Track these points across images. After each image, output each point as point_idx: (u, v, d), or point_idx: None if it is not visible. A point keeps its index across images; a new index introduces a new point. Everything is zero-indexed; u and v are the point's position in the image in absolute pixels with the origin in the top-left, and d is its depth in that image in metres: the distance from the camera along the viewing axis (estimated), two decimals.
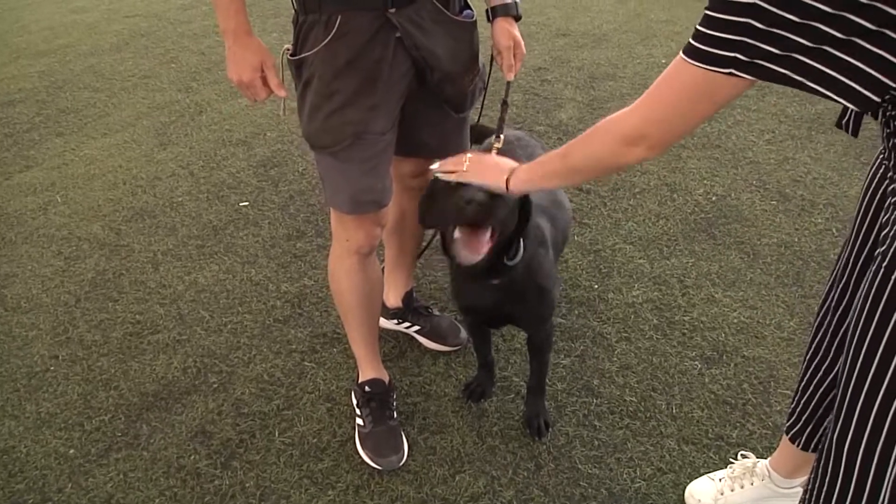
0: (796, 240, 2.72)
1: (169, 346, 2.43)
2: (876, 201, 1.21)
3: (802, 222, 2.81)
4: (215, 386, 2.27)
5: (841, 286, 1.33)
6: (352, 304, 1.95)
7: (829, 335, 1.41)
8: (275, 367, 2.32)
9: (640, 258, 2.64)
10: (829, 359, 1.42)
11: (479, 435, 2.04)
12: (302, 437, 2.07)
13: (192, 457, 2.05)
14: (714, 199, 2.95)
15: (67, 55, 4.92)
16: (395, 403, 2.09)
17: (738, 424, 2.01)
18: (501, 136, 1.75)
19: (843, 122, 1.14)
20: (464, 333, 2.31)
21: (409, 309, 2.32)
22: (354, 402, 2.09)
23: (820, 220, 2.82)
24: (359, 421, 2.05)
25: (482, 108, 2.02)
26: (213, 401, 2.22)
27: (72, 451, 2.10)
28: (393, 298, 2.32)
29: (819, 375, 1.46)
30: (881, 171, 1.21)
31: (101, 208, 3.20)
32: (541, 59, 4.21)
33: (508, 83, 1.87)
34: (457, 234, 1.50)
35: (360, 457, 1.99)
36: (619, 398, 2.12)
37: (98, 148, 3.69)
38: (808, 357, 1.48)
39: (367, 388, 2.05)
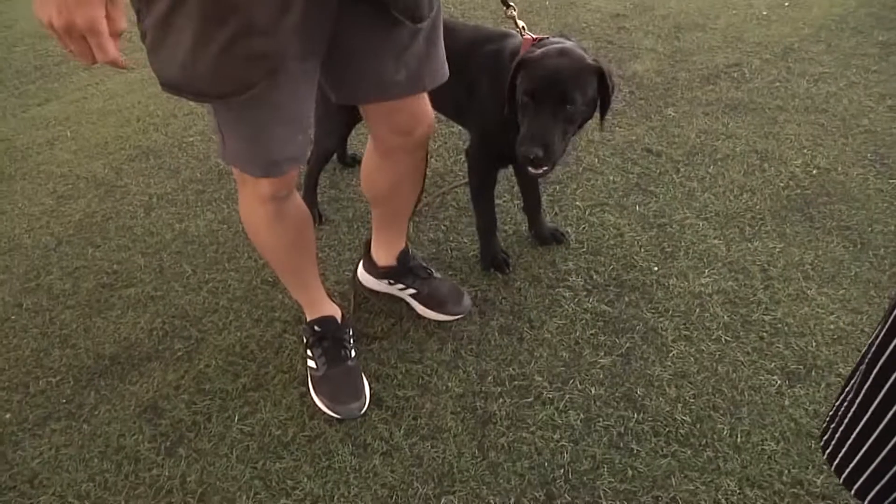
0: None
1: (140, 303, 2.09)
2: None
3: None
4: (180, 354, 1.91)
5: None
6: (278, 253, 1.61)
7: None
8: (250, 337, 1.93)
9: (714, 237, 2.12)
10: None
11: (479, 447, 1.60)
12: (264, 427, 1.69)
13: (136, 436, 1.70)
14: (815, 172, 2.38)
15: None
16: (352, 341, 1.77)
17: (823, 468, 1.50)
18: (513, 5, 1.69)
19: None
20: (467, 300, 1.91)
21: (405, 268, 1.90)
22: (304, 342, 1.78)
23: None
24: (311, 364, 1.74)
25: None
26: (173, 371, 1.86)
27: (8, 415, 1.80)
28: (384, 256, 1.91)
29: None
30: None
31: (108, 145, 2.88)
32: (620, 4, 3.64)
33: None
34: None
35: (315, 405, 1.71)
36: (667, 415, 1.63)
37: (122, 82, 3.39)
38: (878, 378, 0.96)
39: (316, 328, 1.73)
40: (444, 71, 1.48)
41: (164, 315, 2.04)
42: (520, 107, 1.62)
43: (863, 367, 1.01)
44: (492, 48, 1.78)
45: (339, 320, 1.76)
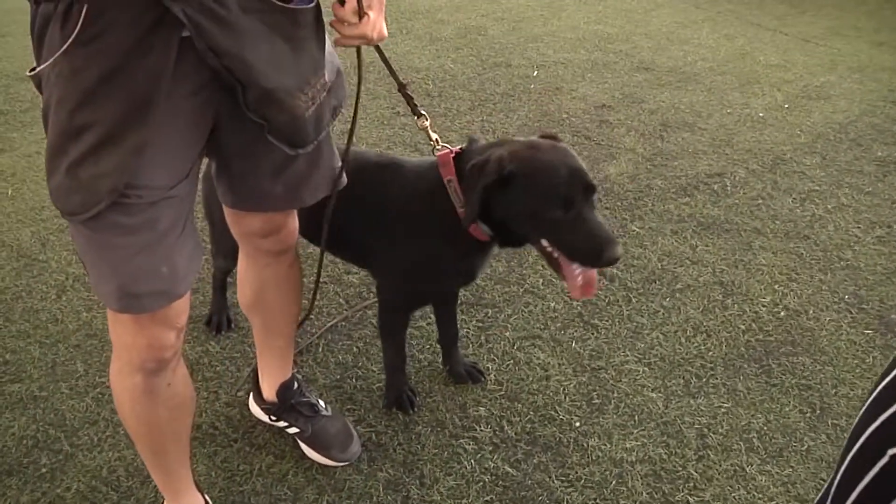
0: None
1: (20, 403, 1.91)
2: None
3: None
4: (43, 471, 1.72)
5: None
6: (140, 434, 1.38)
7: None
8: (121, 459, 1.74)
9: (653, 389, 1.89)
10: None
11: None
12: None
13: None
14: (782, 314, 2.15)
15: None
16: None
17: None
18: (425, 114, 1.48)
19: None
20: (355, 447, 1.71)
21: (286, 405, 1.71)
22: None
23: None
24: None
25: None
26: (30, 492, 1.67)
27: None
28: (267, 388, 1.74)
29: None
30: None
31: (42, 210, 2.74)
32: (607, 94, 3.46)
33: (359, 54, 1.27)
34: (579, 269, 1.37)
35: None
36: None
37: None
38: None
39: None
40: (328, 184, 1.38)
41: (40, 421, 1.85)
42: (538, 223, 1.36)
43: None
44: (399, 176, 1.58)
45: None
